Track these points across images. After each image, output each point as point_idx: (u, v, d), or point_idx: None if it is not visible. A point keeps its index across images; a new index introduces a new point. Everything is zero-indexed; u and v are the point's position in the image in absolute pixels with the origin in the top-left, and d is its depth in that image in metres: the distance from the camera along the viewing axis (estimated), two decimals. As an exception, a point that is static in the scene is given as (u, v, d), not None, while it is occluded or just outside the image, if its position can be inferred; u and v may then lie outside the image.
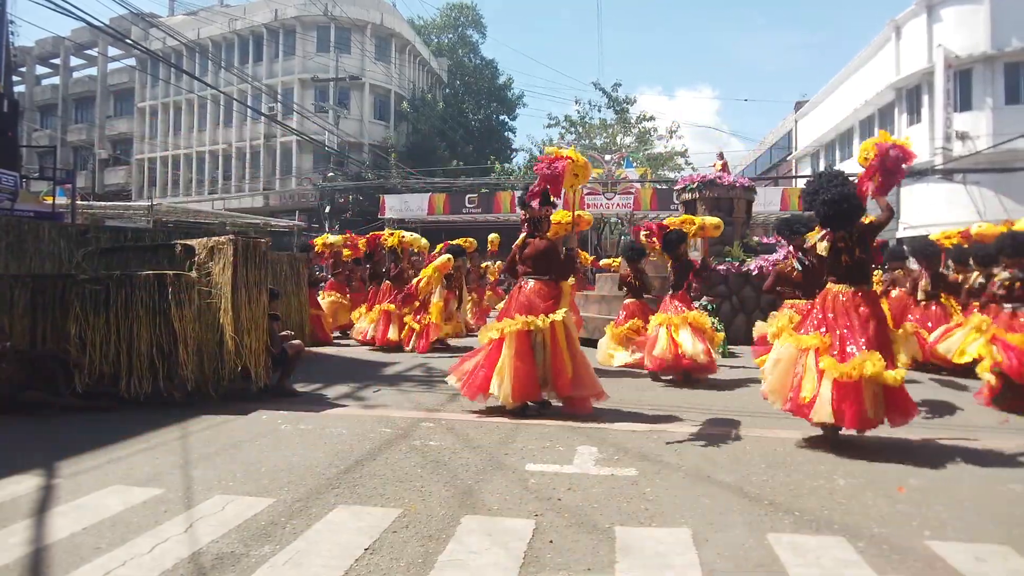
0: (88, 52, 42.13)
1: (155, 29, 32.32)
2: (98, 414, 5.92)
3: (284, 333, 7.55)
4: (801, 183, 30.48)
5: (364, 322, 11.59)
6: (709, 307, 10.86)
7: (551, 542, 3.17)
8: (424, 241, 12.79)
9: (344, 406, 6.42)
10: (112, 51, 41.53)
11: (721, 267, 11.89)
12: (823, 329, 4.87)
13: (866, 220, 5.07)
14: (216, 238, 6.74)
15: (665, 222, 9.26)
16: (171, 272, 6.42)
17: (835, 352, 4.71)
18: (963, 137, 23.58)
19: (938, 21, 24.51)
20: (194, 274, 6.50)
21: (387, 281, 11.70)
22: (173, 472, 4.24)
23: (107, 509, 3.56)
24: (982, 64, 23.46)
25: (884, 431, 5.48)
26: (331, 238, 13.98)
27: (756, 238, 13.78)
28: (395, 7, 40.61)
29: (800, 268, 6.88)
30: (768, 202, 25.60)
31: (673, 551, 3.07)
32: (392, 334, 10.95)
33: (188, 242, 6.89)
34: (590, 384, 5.90)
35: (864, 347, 4.63)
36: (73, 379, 6.09)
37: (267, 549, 3.07)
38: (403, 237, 12.05)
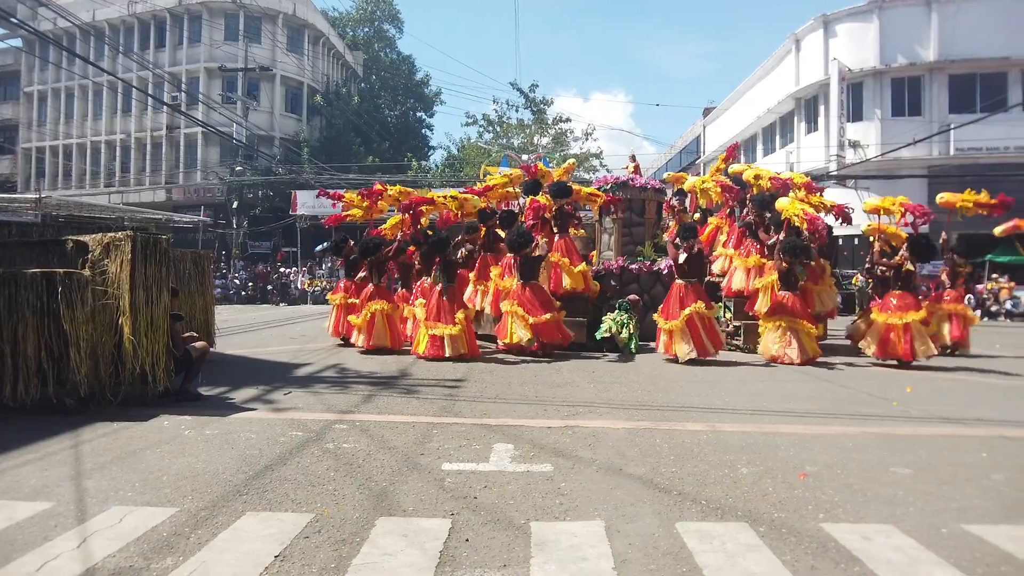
0: (-34, 30, 38.78)
1: (45, 8, 30.08)
2: (-23, 423, 5.46)
3: (188, 334, 7.22)
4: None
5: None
6: (624, 306, 11.14)
7: (467, 540, 3.18)
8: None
9: (252, 410, 6.19)
10: (-6, 30, 38.41)
11: (633, 266, 12.23)
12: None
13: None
14: (112, 234, 6.35)
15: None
16: (61, 270, 6.00)
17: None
18: (855, 145, 25.27)
19: (833, 36, 26.14)
20: (87, 272, 6.10)
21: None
22: (64, 484, 3.97)
23: (-13, 526, 3.29)
24: (872, 78, 25.21)
25: (781, 423, 5.81)
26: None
27: (667, 238, 14.24)
28: (308, -3, 39.52)
29: None
30: (678, 203, 26.54)
31: (587, 543, 3.14)
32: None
33: (81, 238, 6.46)
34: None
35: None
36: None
37: (169, 562, 2.92)
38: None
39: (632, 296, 11.40)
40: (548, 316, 9.94)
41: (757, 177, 12.07)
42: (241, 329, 14.89)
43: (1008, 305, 19.24)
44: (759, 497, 3.82)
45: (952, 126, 22.32)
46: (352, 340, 10.94)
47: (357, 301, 11.13)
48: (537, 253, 10.32)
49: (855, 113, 25.60)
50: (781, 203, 10.57)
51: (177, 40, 35.97)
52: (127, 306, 6.08)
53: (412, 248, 11.27)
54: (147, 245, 6.31)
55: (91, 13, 35.28)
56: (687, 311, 9.62)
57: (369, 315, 10.47)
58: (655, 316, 10.22)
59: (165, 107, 31.58)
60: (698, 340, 9.57)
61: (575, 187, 12.36)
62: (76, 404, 5.89)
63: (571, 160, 14.19)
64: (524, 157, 28.67)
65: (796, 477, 4.18)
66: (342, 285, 11.99)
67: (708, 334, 9.70)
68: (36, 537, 3.18)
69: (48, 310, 5.82)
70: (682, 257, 9.96)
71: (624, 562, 2.95)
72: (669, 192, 16.04)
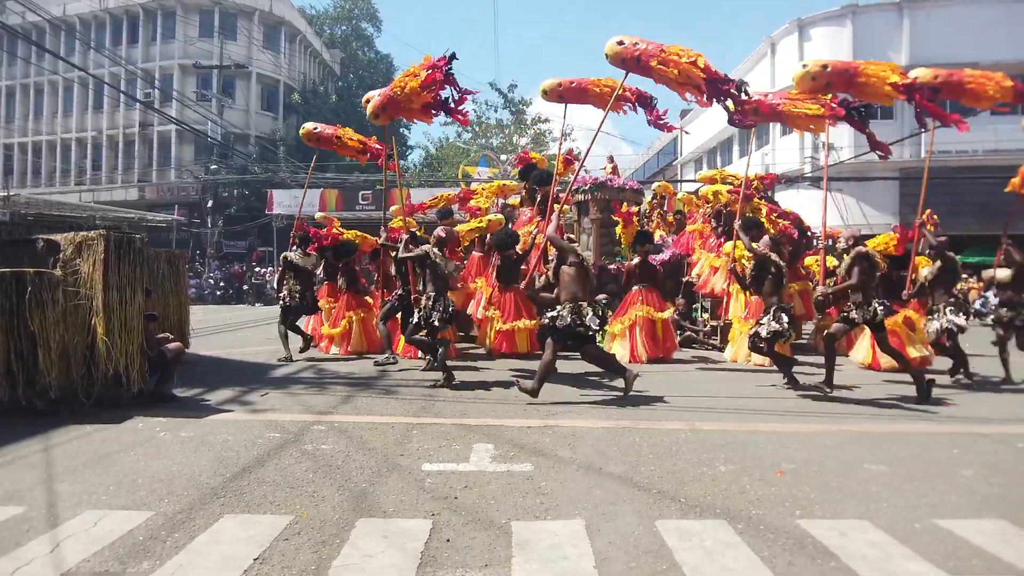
0: (-70, 24, 37.81)
1: (13, 1, 29.42)
2: (-56, 427, 5.33)
3: (162, 335, 7.11)
4: (686, 187, 32.10)
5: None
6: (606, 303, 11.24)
7: (448, 541, 3.17)
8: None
9: (229, 411, 6.11)
10: (-40, 24, 37.49)
11: (612, 266, 12.30)
12: None
13: None
14: (84, 233, 6.23)
15: None
16: (31, 270, 5.87)
17: None
18: (829, 148, 25.64)
19: (808, 40, 26.51)
20: (59, 272, 5.98)
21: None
22: (36, 488, 3.89)
23: (-45, 532, 3.22)
24: (845, 81, 25.59)
25: (759, 421, 5.87)
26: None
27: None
28: (285, -6, 39.14)
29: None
30: (656, 204, 26.78)
31: (567, 542, 3.15)
32: None
33: (51, 237, 6.33)
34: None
35: None
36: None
37: (146, 566, 2.88)
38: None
39: (600, 296, 11.46)
40: (529, 322, 10.06)
41: (716, 194, 12.17)
42: (216, 329, 14.71)
43: (977, 305, 19.65)
44: (737, 495, 3.86)
45: (923, 129, 22.69)
46: (326, 350, 10.64)
47: (335, 307, 10.91)
48: (518, 255, 10.38)
49: (829, 116, 25.99)
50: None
51: (150, 36, 35.44)
52: (100, 306, 5.97)
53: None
54: (120, 244, 6.20)
55: (62, 7, 34.63)
56: (628, 316, 9.95)
57: (347, 324, 10.45)
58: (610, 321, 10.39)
59: (138, 104, 31.06)
60: (647, 342, 9.79)
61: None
62: (46, 406, 5.77)
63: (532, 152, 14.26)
64: (503, 157, 28.73)
65: (773, 475, 4.23)
66: (326, 290, 11.75)
67: (651, 337, 9.83)
68: (8, 542, 3.11)
69: (17, 310, 5.69)
70: (635, 260, 10.25)
71: (605, 560, 2.97)
72: (649, 195, 16.15)
